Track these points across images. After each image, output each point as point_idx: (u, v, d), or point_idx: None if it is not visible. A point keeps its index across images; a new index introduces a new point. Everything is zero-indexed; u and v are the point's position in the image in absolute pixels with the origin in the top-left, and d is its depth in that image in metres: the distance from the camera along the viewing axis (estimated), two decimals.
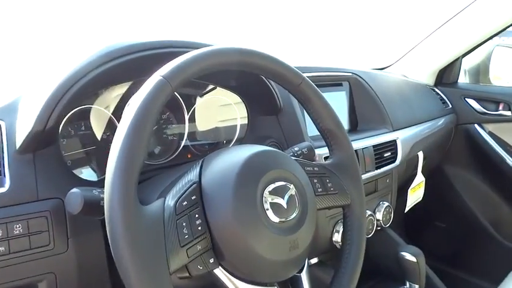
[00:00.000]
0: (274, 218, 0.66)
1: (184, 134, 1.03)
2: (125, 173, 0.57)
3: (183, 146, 1.02)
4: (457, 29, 1.61)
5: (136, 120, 0.59)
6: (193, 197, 0.64)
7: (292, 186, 0.70)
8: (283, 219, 0.67)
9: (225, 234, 0.63)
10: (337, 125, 0.85)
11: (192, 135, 1.05)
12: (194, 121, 1.06)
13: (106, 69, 0.81)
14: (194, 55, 0.67)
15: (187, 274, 0.61)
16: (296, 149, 0.95)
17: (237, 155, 0.70)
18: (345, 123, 1.35)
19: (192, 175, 0.68)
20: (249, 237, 0.63)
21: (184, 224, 0.61)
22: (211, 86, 1.07)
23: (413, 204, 1.56)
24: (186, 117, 1.03)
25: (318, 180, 0.80)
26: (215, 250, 0.64)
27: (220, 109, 1.11)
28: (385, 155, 1.28)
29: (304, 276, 0.77)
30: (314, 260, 1.23)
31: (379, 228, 1.29)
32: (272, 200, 0.66)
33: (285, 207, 0.67)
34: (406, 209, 1.53)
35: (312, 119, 0.85)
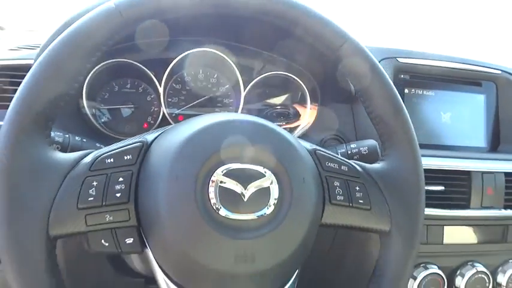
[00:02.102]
0: (222, 209, 0.45)
1: (239, 109, 0.86)
2: (22, 102, 0.46)
3: None
4: None
5: (56, 47, 0.48)
6: (128, 157, 0.49)
7: (269, 174, 0.47)
8: (236, 215, 0.45)
9: (149, 214, 0.47)
10: (396, 113, 0.57)
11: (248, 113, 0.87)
12: (251, 99, 0.89)
13: None
14: None
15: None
16: (353, 145, 0.70)
17: (204, 121, 0.51)
18: (481, 138, 0.96)
19: (149, 135, 0.52)
20: (177, 224, 0.45)
21: (95, 183, 0.47)
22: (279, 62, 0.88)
23: None
24: (243, 93, 0.86)
25: (340, 184, 0.54)
26: (142, 230, 0.48)
27: (284, 90, 0.91)
28: None
29: None
30: None
31: None
32: (222, 183, 0.45)
33: (245, 199, 0.45)
34: None
35: (361, 103, 0.59)
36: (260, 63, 0.88)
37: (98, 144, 0.66)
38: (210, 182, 0.45)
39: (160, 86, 0.82)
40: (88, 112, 0.79)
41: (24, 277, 0.43)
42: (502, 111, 0.98)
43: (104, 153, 0.48)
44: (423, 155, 0.82)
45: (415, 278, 0.81)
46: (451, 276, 0.85)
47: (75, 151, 0.58)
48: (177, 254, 0.46)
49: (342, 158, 0.56)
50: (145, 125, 0.84)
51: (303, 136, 0.84)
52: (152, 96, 0.85)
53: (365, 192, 0.54)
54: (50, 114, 0.47)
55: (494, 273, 0.87)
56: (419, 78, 0.93)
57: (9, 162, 0.44)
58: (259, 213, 0.46)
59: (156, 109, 0.84)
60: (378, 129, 0.59)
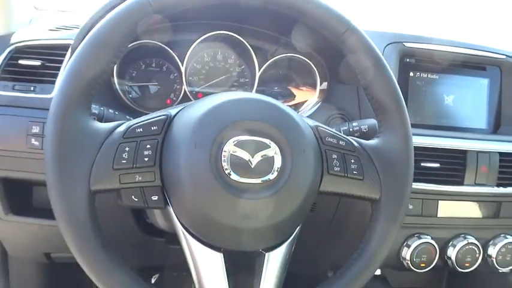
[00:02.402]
0: (232, 174, 0.54)
1: (253, 88, 0.94)
2: (69, 81, 0.55)
3: None
4: None
5: (95, 35, 0.57)
6: (154, 128, 0.58)
7: (273, 145, 0.56)
8: (244, 179, 0.54)
9: (172, 176, 0.56)
10: (392, 95, 0.64)
11: (261, 92, 0.95)
12: (265, 79, 0.96)
13: None
14: None
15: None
16: (355, 124, 0.78)
17: (224, 96, 0.60)
18: (482, 121, 1.02)
19: (172, 109, 0.61)
20: (195, 185, 0.54)
21: (127, 149, 0.56)
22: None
23: None
24: (257, 74, 0.93)
25: (338, 157, 0.62)
26: (165, 190, 0.58)
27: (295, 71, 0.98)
28: None
29: (273, 258, 0.60)
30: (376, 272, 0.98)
31: (497, 268, 0.95)
32: (233, 152, 0.53)
33: (252, 166, 0.54)
34: None
35: (361, 84, 0.66)
36: (274, 46, 0.94)
37: (127, 117, 0.74)
38: (223, 150, 0.54)
39: (183, 65, 0.90)
40: (118, 88, 0.88)
41: (71, 223, 0.53)
42: (505, 95, 1.02)
43: (134, 124, 0.58)
44: (423, 135, 0.89)
45: (408, 246, 0.89)
46: (443, 247, 0.92)
47: (110, 120, 0.68)
48: (193, 210, 0.55)
49: (341, 134, 0.64)
50: (168, 101, 0.92)
51: (312, 114, 0.92)
52: (175, 75, 0.93)
53: (359, 165, 0.62)
54: (91, 89, 0.56)
55: (485, 246, 0.94)
56: (425, 62, 0.97)
57: (60, 128, 0.54)
58: (264, 178, 0.55)
59: (178, 87, 0.93)
60: (375, 109, 0.66)
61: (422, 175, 0.87)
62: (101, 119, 0.70)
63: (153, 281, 1.57)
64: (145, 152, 0.56)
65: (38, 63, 0.82)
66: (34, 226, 0.87)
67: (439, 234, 0.92)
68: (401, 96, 0.64)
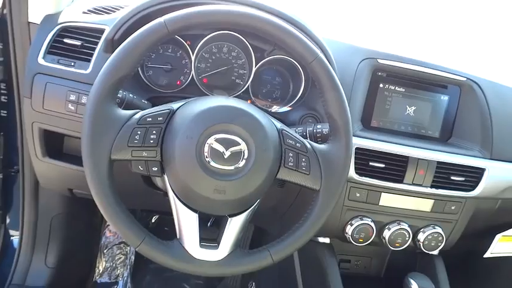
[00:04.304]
0: (211, 161, 0.77)
1: (249, 79, 1.13)
2: (103, 79, 0.77)
3: (245, 89, 1.13)
4: None
5: (124, 48, 0.78)
6: (160, 118, 0.80)
7: (243, 144, 0.78)
8: (219, 166, 0.77)
9: (168, 155, 0.78)
10: (341, 114, 0.84)
11: (254, 87, 1.15)
12: (259, 74, 1.15)
13: None
14: (200, 10, 0.78)
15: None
16: (319, 126, 0.98)
17: (212, 101, 0.81)
18: (436, 130, 1.21)
19: (175, 104, 0.83)
20: (183, 166, 0.78)
21: (139, 132, 0.78)
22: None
23: (500, 255, 1.31)
24: (254, 68, 1.12)
25: (293, 155, 0.83)
26: (163, 164, 0.80)
27: (286, 70, 1.16)
28: (453, 178, 1.12)
29: (234, 222, 0.84)
30: (324, 240, 1.22)
31: (423, 251, 1.18)
32: (213, 145, 0.76)
33: (225, 157, 0.76)
34: (487, 255, 1.30)
35: (321, 101, 0.86)
36: (270, 47, 1.13)
37: (143, 100, 0.96)
38: (206, 143, 0.77)
39: (193, 54, 1.10)
40: (139, 67, 1.09)
41: (96, 180, 0.76)
42: (460, 112, 1.19)
43: (146, 114, 0.80)
44: (377, 139, 1.09)
45: (352, 225, 1.11)
46: (380, 228, 1.14)
47: (129, 104, 0.90)
48: (181, 183, 0.79)
49: (298, 138, 0.85)
50: (178, 82, 1.12)
51: (290, 111, 1.12)
52: (186, 61, 1.12)
53: (308, 163, 0.83)
54: (119, 85, 0.78)
55: (416, 233, 1.16)
56: (394, 77, 1.15)
57: (93, 113, 0.76)
58: (234, 166, 0.77)
59: (187, 71, 1.13)
60: (329, 122, 0.86)
61: (370, 172, 1.08)
62: (123, 101, 0.92)
63: (153, 220, 1.89)
64: (152, 136, 0.78)
65: (78, 43, 1.03)
66: (63, 168, 1.11)
67: (378, 218, 1.14)
68: (349, 118, 0.84)
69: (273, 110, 1.12)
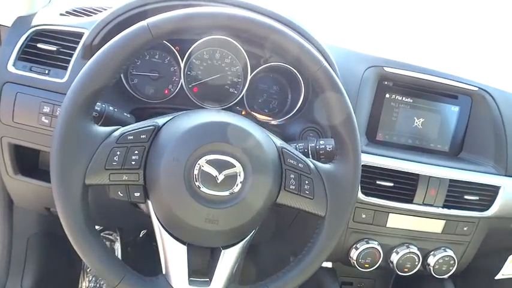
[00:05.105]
0: (201, 186, 0.67)
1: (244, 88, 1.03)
2: (76, 92, 0.66)
3: (239, 99, 1.03)
4: None
5: (100, 55, 0.67)
6: (143, 136, 0.70)
7: (238, 165, 0.67)
8: (211, 191, 0.67)
9: (152, 179, 0.68)
10: (348, 129, 0.74)
11: (249, 96, 1.05)
12: (255, 83, 1.05)
13: None
14: (189, 12, 0.68)
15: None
16: (322, 142, 0.88)
17: (202, 117, 0.71)
18: (446, 144, 1.12)
19: (161, 119, 0.72)
20: (170, 192, 0.67)
21: (118, 152, 0.67)
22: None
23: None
24: (249, 76, 1.03)
25: (295, 177, 0.73)
26: (146, 189, 0.70)
27: (285, 78, 1.07)
28: (467, 197, 1.03)
29: (228, 254, 0.74)
30: (326, 264, 1.13)
31: (433, 275, 1.09)
32: (203, 168, 0.66)
33: (218, 181, 0.66)
34: (499, 276, 1.22)
35: (326, 115, 0.76)
36: (268, 53, 1.03)
37: (125, 114, 0.86)
38: (196, 166, 0.66)
39: (182, 61, 1.00)
40: (122, 75, 0.98)
41: (67, 210, 0.66)
42: (472, 124, 1.11)
43: (127, 131, 0.69)
44: (385, 155, 1.00)
45: (357, 248, 1.02)
46: (387, 252, 1.05)
47: (109, 118, 0.79)
48: (167, 211, 0.68)
49: (301, 157, 0.75)
50: (167, 92, 1.02)
51: (289, 123, 1.02)
52: (175, 68, 1.03)
53: (311, 186, 0.73)
54: (95, 98, 0.68)
55: (426, 255, 1.07)
56: (401, 86, 1.07)
57: (64, 131, 0.65)
58: (228, 191, 0.67)
59: (176, 79, 1.03)
60: (334, 139, 0.77)
61: (377, 191, 0.99)
62: (102, 115, 0.81)
63: (141, 234, 1.78)
64: (133, 157, 0.68)
65: (53, 48, 0.92)
66: (38, 186, 1.01)
67: (385, 241, 1.05)
68: (357, 133, 0.75)
69: (270, 123, 1.03)
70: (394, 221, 1.03)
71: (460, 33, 1.53)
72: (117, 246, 1.57)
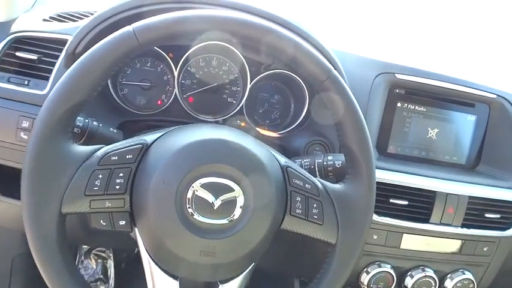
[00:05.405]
0: (195, 214, 0.58)
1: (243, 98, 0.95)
2: (51, 107, 0.58)
3: (238, 110, 0.95)
4: None
5: (80, 65, 0.59)
6: (129, 156, 0.61)
7: (237, 189, 0.59)
8: (206, 220, 0.58)
9: (140, 205, 0.60)
10: (360, 145, 0.66)
11: (249, 106, 0.97)
12: (255, 92, 0.97)
13: None
14: (181, 15, 0.60)
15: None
16: (330, 158, 0.80)
17: (196, 134, 0.62)
18: (462, 157, 1.04)
19: (149, 136, 0.64)
20: (159, 220, 0.59)
21: (100, 176, 0.59)
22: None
23: None
24: (249, 85, 0.94)
25: (301, 199, 0.65)
26: (133, 216, 0.61)
27: (287, 87, 1.00)
28: (487, 215, 0.94)
29: None
30: None
31: None
32: (198, 193, 0.57)
33: (215, 207, 0.58)
34: None
35: (335, 129, 0.68)
36: (269, 60, 0.95)
37: (112, 129, 0.77)
38: (189, 190, 0.58)
39: (176, 69, 0.92)
40: (110, 85, 0.90)
41: (39, 244, 0.57)
42: (490, 134, 1.03)
43: (111, 151, 0.60)
44: (398, 171, 0.92)
45: (368, 273, 0.93)
46: (401, 276, 0.96)
47: (92, 135, 0.71)
48: (156, 241, 0.60)
49: (308, 176, 0.67)
50: (159, 102, 0.94)
51: (293, 136, 0.94)
52: (168, 77, 0.95)
53: (320, 210, 0.65)
54: (72, 115, 0.59)
55: (443, 279, 0.98)
56: (414, 94, 0.99)
57: (38, 152, 0.57)
58: (226, 219, 0.59)
59: (170, 89, 0.95)
60: (346, 156, 0.69)
61: (390, 210, 0.90)
62: (84, 131, 0.73)
63: (135, 251, 1.68)
64: (118, 180, 0.59)
65: (34, 56, 0.84)
66: (20, 207, 0.92)
67: (399, 264, 0.96)
68: (371, 149, 0.67)
69: (272, 136, 0.94)
70: (409, 242, 0.94)
71: (476, 37, 1.45)
72: (110, 264, 1.49)
